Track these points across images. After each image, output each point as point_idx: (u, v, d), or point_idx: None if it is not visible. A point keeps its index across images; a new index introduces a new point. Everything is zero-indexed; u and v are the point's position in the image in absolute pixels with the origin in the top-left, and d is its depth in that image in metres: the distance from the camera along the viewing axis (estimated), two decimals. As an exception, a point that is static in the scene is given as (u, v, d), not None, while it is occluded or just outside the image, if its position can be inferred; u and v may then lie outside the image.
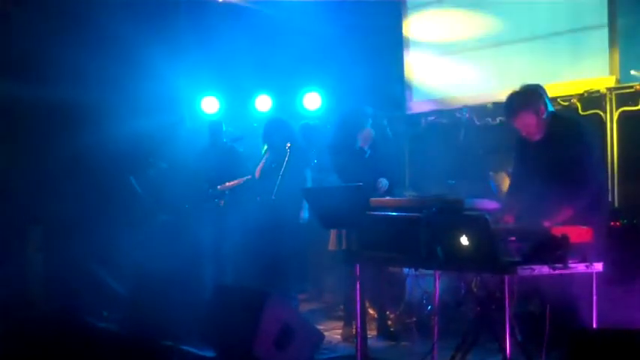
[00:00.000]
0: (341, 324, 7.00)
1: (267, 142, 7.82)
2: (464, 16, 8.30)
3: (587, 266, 4.47)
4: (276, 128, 7.82)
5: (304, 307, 7.86)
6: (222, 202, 8.28)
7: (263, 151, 7.84)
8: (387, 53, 9.01)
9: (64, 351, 6.11)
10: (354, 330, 6.40)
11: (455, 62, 8.40)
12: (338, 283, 7.25)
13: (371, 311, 6.94)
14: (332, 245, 6.72)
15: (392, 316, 6.87)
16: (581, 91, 7.17)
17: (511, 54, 7.90)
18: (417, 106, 8.79)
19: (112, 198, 8.75)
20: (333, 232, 6.67)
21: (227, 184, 8.23)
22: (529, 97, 5.22)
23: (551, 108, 5.14)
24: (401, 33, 8.92)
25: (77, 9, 8.90)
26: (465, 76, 8.25)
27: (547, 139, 5.11)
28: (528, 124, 5.11)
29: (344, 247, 6.25)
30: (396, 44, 9.00)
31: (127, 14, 8.85)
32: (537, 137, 5.14)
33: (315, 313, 7.70)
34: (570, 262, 4.35)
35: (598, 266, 4.52)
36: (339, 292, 7.35)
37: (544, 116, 5.10)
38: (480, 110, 7.83)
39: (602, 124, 6.95)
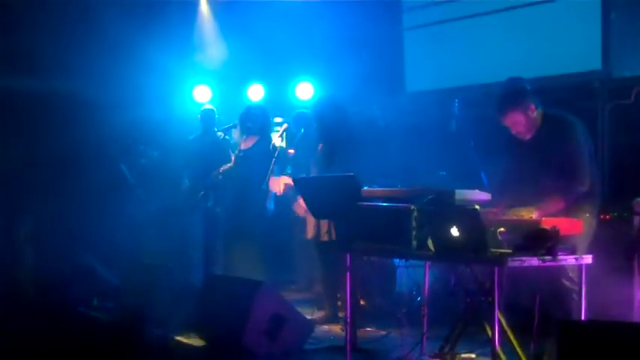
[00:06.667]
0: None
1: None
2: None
3: (576, 258, 4.49)
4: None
5: (294, 298, 7.85)
6: (202, 193, 8.23)
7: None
8: (379, 43, 8.98)
9: (54, 340, 6.10)
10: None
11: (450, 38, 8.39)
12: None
13: (361, 302, 6.95)
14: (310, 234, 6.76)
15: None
16: (573, 84, 7.16)
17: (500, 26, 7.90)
18: (408, 96, 8.78)
19: (102, 187, 8.72)
20: (311, 221, 6.69)
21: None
22: (518, 96, 5.21)
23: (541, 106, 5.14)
24: (394, 23, 8.90)
25: (67, 0, 8.86)
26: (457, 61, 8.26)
27: (538, 139, 5.11)
28: (517, 123, 5.10)
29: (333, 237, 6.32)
30: (389, 34, 8.98)
31: (118, 4, 8.80)
32: (527, 136, 5.14)
33: (305, 303, 7.69)
34: (560, 253, 4.36)
35: (587, 258, 4.54)
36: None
37: (534, 115, 5.09)
38: (472, 101, 7.82)
39: (594, 117, 6.95)
